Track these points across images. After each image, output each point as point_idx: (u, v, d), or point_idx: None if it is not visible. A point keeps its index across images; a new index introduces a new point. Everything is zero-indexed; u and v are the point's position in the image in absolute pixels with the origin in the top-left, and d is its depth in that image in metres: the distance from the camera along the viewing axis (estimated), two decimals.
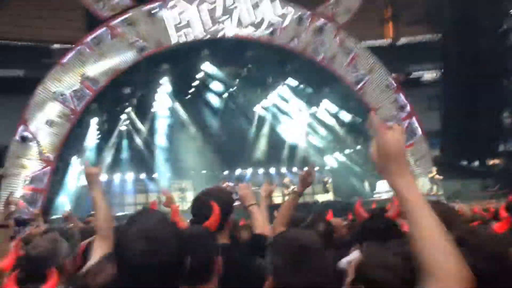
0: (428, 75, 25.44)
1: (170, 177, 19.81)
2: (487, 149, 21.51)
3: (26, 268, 2.31)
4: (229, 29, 16.11)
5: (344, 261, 2.83)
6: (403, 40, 29.88)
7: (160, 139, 19.68)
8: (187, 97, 19.62)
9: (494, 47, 20.55)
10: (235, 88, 19.82)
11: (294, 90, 19.26)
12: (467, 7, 20.30)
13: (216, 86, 19.51)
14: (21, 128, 14.18)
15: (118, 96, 16.83)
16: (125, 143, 19.31)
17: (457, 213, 2.74)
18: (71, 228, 4.17)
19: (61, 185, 15.47)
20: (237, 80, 19.36)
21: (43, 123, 14.31)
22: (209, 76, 18.76)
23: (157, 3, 15.49)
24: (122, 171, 19.73)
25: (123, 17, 15.11)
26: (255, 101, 20.70)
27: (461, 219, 2.70)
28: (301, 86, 19.03)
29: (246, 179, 21.02)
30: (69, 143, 15.01)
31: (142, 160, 19.75)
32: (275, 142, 21.16)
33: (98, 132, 17.68)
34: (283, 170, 21.94)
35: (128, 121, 19.10)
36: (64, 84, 14.59)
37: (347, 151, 20.53)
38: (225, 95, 20.41)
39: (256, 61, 17.47)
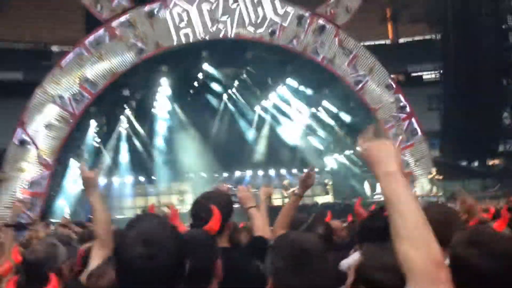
0: (428, 75, 25.50)
1: (169, 179, 19.77)
2: (487, 149, 21.51)
3: (25, 272, 2.30)
4: (230, 29, 16.10)
5: (344, 263, 2.82)
6: (402, 40, 29.98)
7: (159, 141, 19.64)
8: (186, 99, 19.60)
9: (494, 47, 20.58)
10: (234, 89, 19.81)
11: (294, 90, 19.24)
12: (467, 7, 20.33)
13: (215, 87, 19.49)
14: (19, 131, 14.13)
15: (117, 98, 16.75)
16: (124, 146, 19.24)
17: (457, 213, 2.72)
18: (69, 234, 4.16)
19: (60, 189, 15.43)
20: (237, 81, 19.35)
21: (42, 126, 14.26)
22: (208, 77, 18.74)
23: (157, 4, 15.44)
24: (121, 174, 19.68)
25: (122, 18, 15.08)
26: (254, 102, 20.68)
27: (461, 219, 2.68)
28: (301, 86, 19.01)
29: (245, 181, 20.95)
30: (68, 147, 14.97)
31: (141, 163, 19.70)
32: (275, 143, 21.10)
33: (97, 135, 17.64)
34: (283, 171, 21.89)
35: (127, 124, 19.05)
36: (63, 87, 14.56)
37: (347, 152, 20.46)
38: (225, 96, 20.40)
39: (256, 62, 17.45)
